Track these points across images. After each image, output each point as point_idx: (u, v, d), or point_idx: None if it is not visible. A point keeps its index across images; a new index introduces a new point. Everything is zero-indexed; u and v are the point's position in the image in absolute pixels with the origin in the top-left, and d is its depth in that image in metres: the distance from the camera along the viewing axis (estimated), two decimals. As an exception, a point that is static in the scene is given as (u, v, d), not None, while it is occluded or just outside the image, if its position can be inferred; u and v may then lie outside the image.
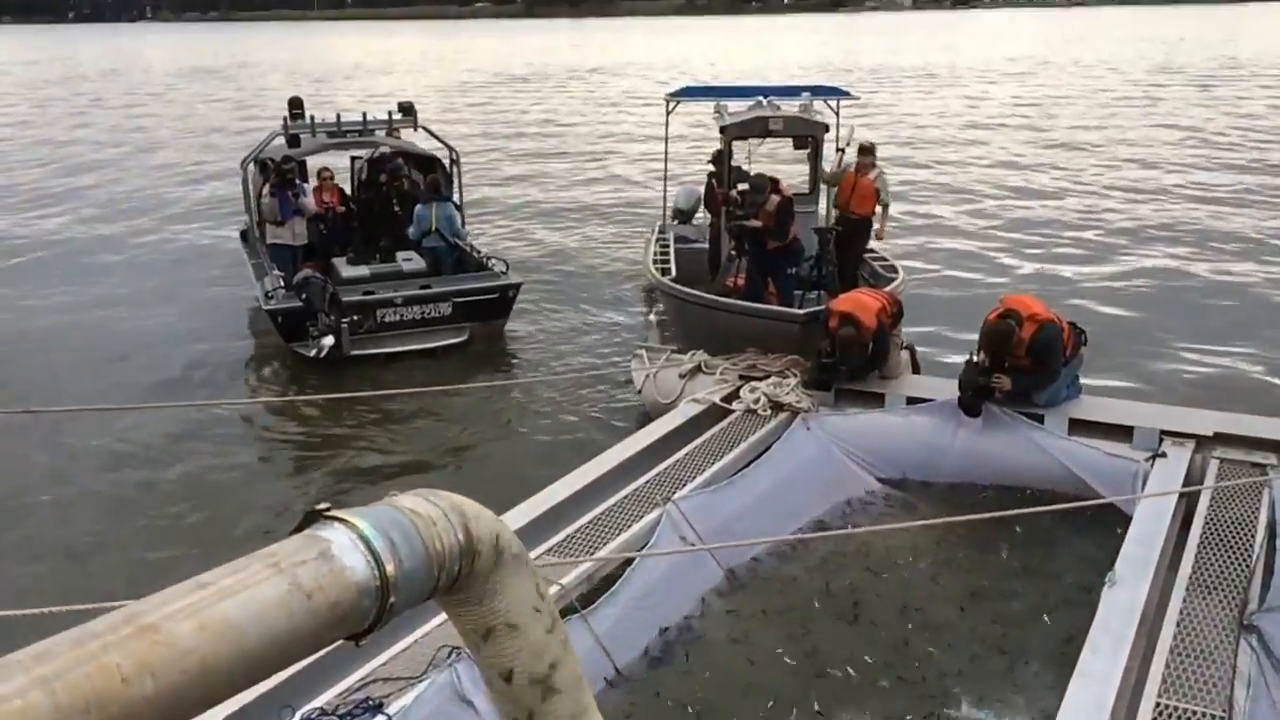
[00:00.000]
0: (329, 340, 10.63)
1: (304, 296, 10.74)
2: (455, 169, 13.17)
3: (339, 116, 12.74)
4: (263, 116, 37.04)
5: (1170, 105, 36.07)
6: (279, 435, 9.80)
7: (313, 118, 12.68)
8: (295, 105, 12.88)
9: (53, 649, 2.00)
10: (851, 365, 8.27)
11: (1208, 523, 6.01)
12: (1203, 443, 7.03)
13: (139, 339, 12.53)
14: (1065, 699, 4.46)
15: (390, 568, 2.57)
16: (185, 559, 6.92)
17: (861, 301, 8.44)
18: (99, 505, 8.41)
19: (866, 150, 11.42)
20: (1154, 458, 6.94)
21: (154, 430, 9.64)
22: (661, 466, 7.05)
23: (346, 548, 2.52)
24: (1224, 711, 4.41)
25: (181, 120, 38.78)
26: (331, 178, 13.41)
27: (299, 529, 2.62)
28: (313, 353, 10.69)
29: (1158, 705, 4.43)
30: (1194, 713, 4.39)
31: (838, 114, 12.45)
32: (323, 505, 2.66)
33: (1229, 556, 5.64)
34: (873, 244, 11.65)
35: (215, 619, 2.18)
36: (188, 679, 2.10)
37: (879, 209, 11.49)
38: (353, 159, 14.30)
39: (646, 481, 6.79)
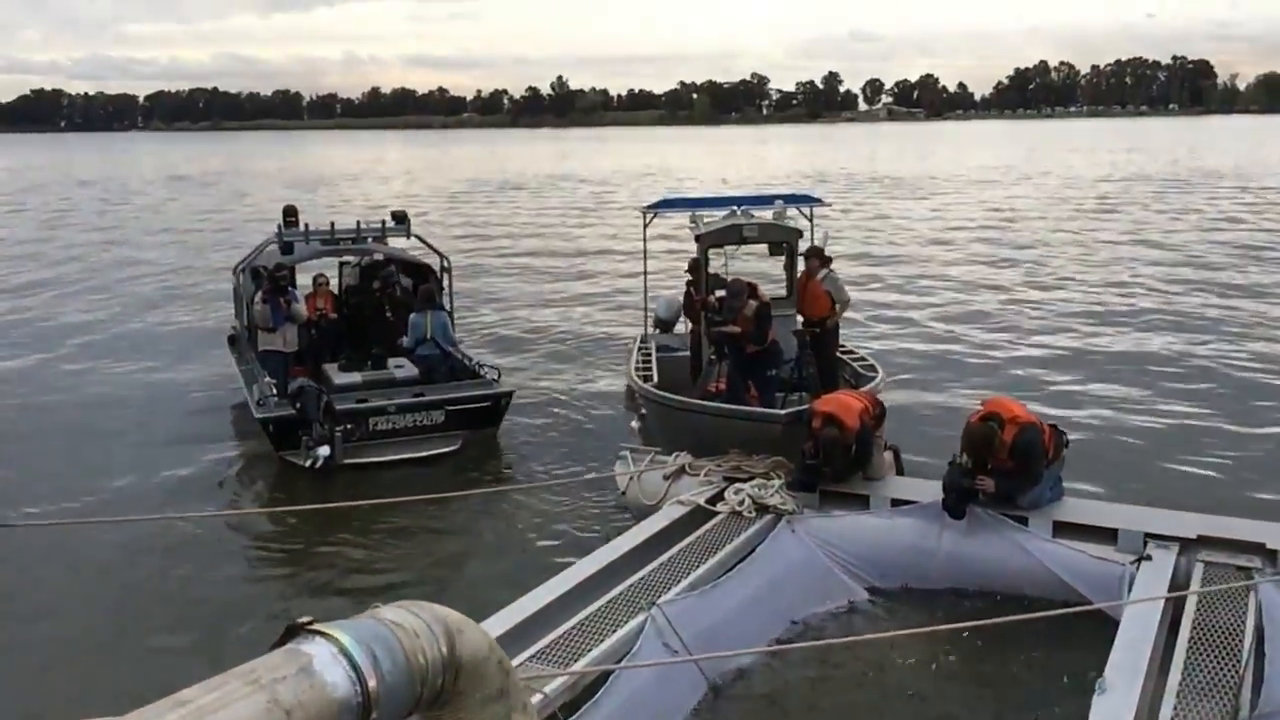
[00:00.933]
0: (324, 450, 10.51)
1: (299, 405, 10.65)
2: (447, 276, 13.30)
3: (333, 224, 12.92)
4: (252, 220, 37.54)
5: (1135, 214, 36.95)
6: (264, 545, 9.65)
7: (306, 225, 12.86)
8: (289, 213, 13.07)
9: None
10: (835, 466, 8.28)
11: (1195, 628, 5.97)
12: (1187, 545, 7.03)
13: (123, 444, 12.40)
14: (1059, 812, 4.37)
15: (372, 683, 2.54)
16: (165, 673, 6.74)
17: (844, 402, 8.50)
18: (77, 617, 8.21)
19: (814, 254, 11.67)
20: (1139, 560, 6.92)
21: (135, 540, 9.45)
22: (646, 570, 6.99)
23: (328, 662, 2.49)
24: (1220, 823, 4.33)
25: (169, 225, 39.18)
26: (326, 284, 13.50)
27: (280, 643, 2.59)
28: (307, 463, 10.55)
29: (1153, 816, 4.34)
30: (1190, 824, 4.30)
31: (811, 220, 12.73)
32: (305, 618, 2.64)
33: (1218, 662, 5.60)
34: (851, 344, 11.81)
35: (193, 738, 2.14)
36: (163, 801, 2.06)
37: (837, 308, 11.65)
38: (341, 264, 14.42)
39: (631, 585, 6.73)
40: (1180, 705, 5.18)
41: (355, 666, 2.52)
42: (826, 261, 11.79)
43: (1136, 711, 5.15)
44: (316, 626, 2.58)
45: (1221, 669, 5.53)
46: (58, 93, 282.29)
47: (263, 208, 41.02)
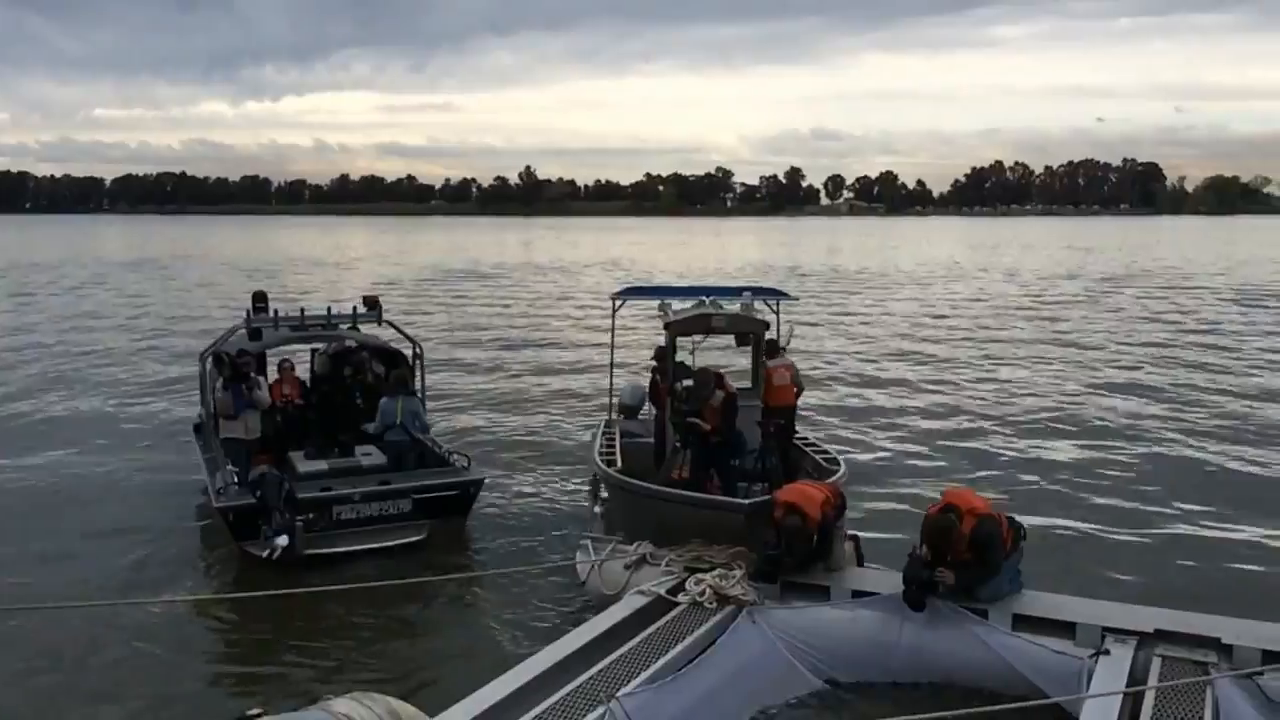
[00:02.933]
0: (283, 540, 10.22)
1: (259, 494, 10.42)
2: (418, 363, 13.20)
3: (302, 310, 12.87)
4: (222, 304, 37.40)
5: (1100, 306, 37.84)
6: (217, 633, 9.42)
7: (276, 311, 12.80)
8: (259, 299, 13.01)
9: None
10: (797, 555, 8.29)
11: (1154, 722, 5.98)
12: (1145, 640, 7.07)
13: (79, 532, 12.06)
14: None
15: (321, 776, 2.50)
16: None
17: (806, 493, 8.53)
18: (22, 703, 7.96)
19: (769, 348, 12.13)
20: (1097, 655, 6.95)
21: (86, 628, 9.19)
22: (605, 662, 6.91)
23: (277, 754, 2.46)
24: None
25: (136, 310, 38.92)
26: (292, 369, 13.33)
27: (229, 732, 2.55)
28: (265, 553, 10.25)
29: None
30: None
31: (777, 313, 12.93)
32: (254, 711, 2.61)
33: (1177, 757, 5.60)
34: (811, 436, 11.96)
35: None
36: None
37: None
38: (313, 351, 14.32)
39: (590, 677, 6.64)
40: (1140, 802, 5.15)
41: (305, 758, 2.48)
42: (778, 353, 12.07)
43: (1097, 808, 5.12)
44: (266, 719, 2.55)
45: (1180, 765, 5.53)
46: (24, 175, 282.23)
47: (232, 293, 40.91)
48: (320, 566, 10.34)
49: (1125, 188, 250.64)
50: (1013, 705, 6.20)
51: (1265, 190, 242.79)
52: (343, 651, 8.84)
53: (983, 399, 20.28)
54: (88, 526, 12.32)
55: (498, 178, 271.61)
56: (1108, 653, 6.94)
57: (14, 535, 12.02)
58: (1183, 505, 12.94)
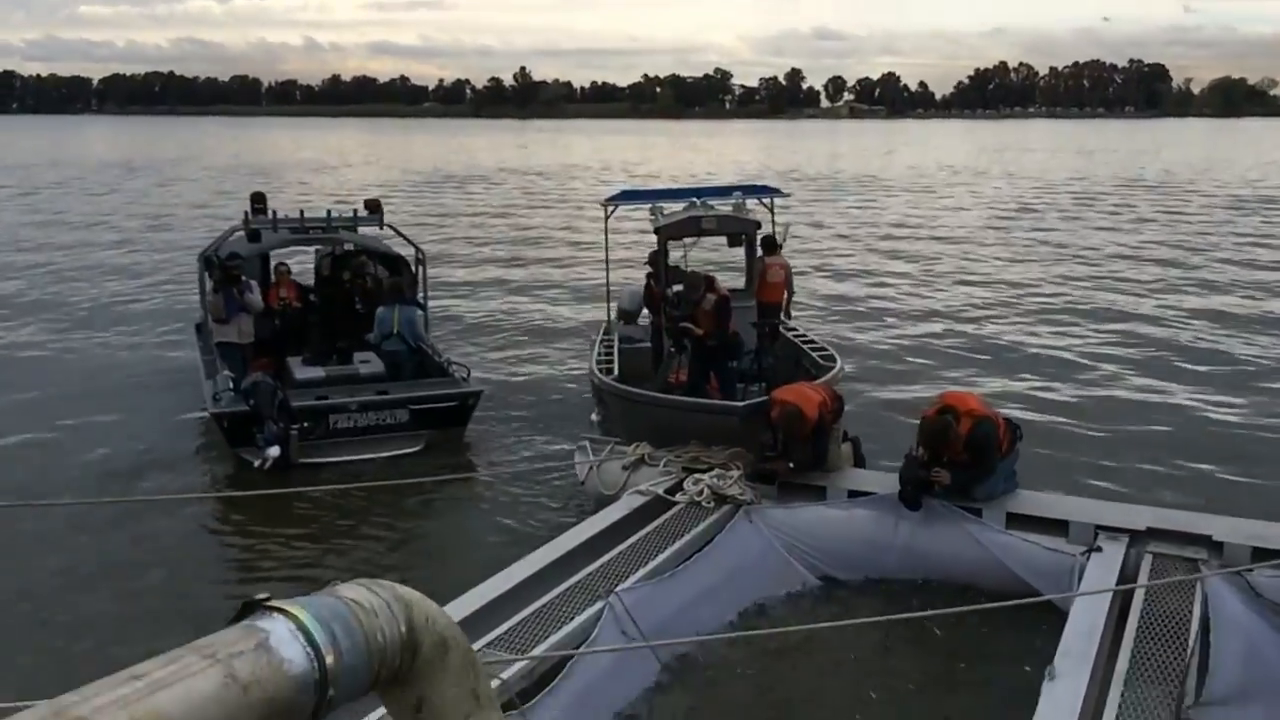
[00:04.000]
0: (274, 451, 10.18)
1: (251, 402, 10.31)
2: (421, 269, 13.01)
3: (302, 212, 12.66)
4: (218, 204, 37.03)
5: (1095, 208, 37.56)
6: (217, 531, 9.55)
7: (274, 213, 12.60)
8: (257, 200, 12.79)
9: (-23, 743, 1.93)
10: (794, 456, 8.35)
11: (1143, 618, 6.09)
12: (1137, 537, 7.17)
13: (79, 428, 12.19)
14: (1009, 795, 4.45)
15: (330, 660, 2.52)
16: (118, 655, 6.65)
17: (804, 394, 8.54)
18: (28, 603, 8.10)
19: (765, 243, 12.11)
20: (1089, 552, 7.05)
21: (89, 526, 9.33)
22: (604, 559, 7.01)
23: (285, 639, 2.47)
24: (1164, 806, 4.42)
25: (131, 210, 38.53)
26: (288, 272, 13.17)
27: (237, 619, 2.57)
28: (256, 463, 10.24)
29: (1099, 800, 4.43)
30: (1135, 808, 4.39)
31: (772, 211, 12.79)
32: (262, 595, 2.62)
33: (1165, 651, 5.72)
34: (811, 334, 12.05)
35: (148, 713, 2.12)
36: (117, 775, 2.03)
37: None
38: (317, 253, 14.16)
39: (589, 574, 6.74)
40: (1127, 692, 5.28)
41: (313, 643, 2.50)
42: (774, 250, 11.99)
43: (1084, 698, 5.25)
44: (274, 603, 2.56)
45: (1168, 658, 5.65)
46: (10, 74, 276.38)
47: (232, 192, 40.46)
48: (320, 472, 10.38)
49: (1130, 89, 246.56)
50: (1005, 602, 6.30)
51: (1272, 93, 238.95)
52: (343, 549, 8.97)
53: (979, 301, 20.27)
54: (88, 423, 12.40)
55: (492, 79, 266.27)
56: (1100, 550, 7.04)
57: (14, 433, 12.09)
58: (1177, 404, 13.05)
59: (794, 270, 12.85)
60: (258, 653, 2.40)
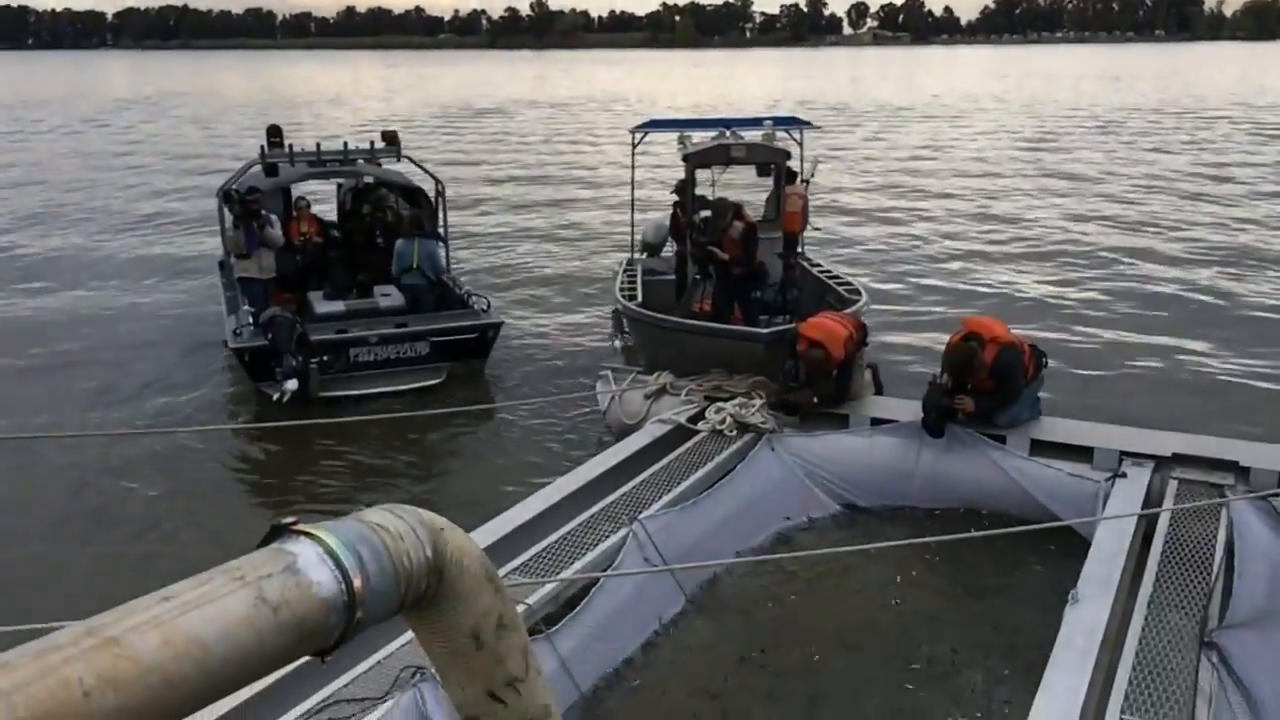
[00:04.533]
0: (292, 385, 10.18)
1: (270, 336, 10.33)
2: (440, 201, 12.90)
3: (319, 146, 12.55)
4: (227, 141, 36.89)
5: (1120, 138, 36.85)
6: (242, 461, 9.67)
7: (291, 146, 12.49)
8: (274, 133, 12.67)
9: (12, 661, 1.95)
10: (819, 393, 8.31)
11: (1168, 543, 6.07)
12: (1162, 463, 7.13)
13: (104, 368, 12.28)
14: (1031, 714, 4.48)
15: (358, 583, 2.54)
16: (145, 582, 6.79)
17: (831, 330, 8.39)
18: (55, 531, 8.27)
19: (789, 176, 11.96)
20: (1114, 478, 7.02)
21: (113, 458, 9.50)
22: (627, 487, 7.04)
23: (313, 562, 2.49)
24: (1186, 727, 4.45)
25: (151, 145, 38.45)
26: (308, 207, 13.11)
27: (264, 543, 2.59)
28: (275, 397, 10.24)
29: (1121, 721, 4.46)
30: (1157, 729, 4.42)
31: (801, 144, 12.61)
32: (289, 519, 2.63)
33: (1189, 575, 5.71)
34: (837, 269, 11.89)
35: (179, 633, 2.14)
36: (152, 694, 2.06)
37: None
38: (339, 187, 14.02)
39: (612, 501, 6.77)
40: (1150, 617, 5.29)
41: (341, 567, 2.51)
42: (792, 179, 11.91)
43: (1107, 622, 5.26)
44: (301, 527, 2.57)
45: (1192, 582, 5.64)
46: (25, 9, 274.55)
47: (248, 126, 40.26)
48: (340, 405, 10.45)
49: (1161, 12, 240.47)
50: (1027, 526, 6.31)
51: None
52: (366, 481, 9.06)
53: (1001, 230, 20.01)
54: (113, 358, 12.53)
55: (508, 9, 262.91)
56: (1124, 476, 7.01)
57: (39, 366, 12.23)
58: (1205, 331, 12.91)
59: (812, 201, 12.68)
60: (286, 575, 2.42)
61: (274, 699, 4.39)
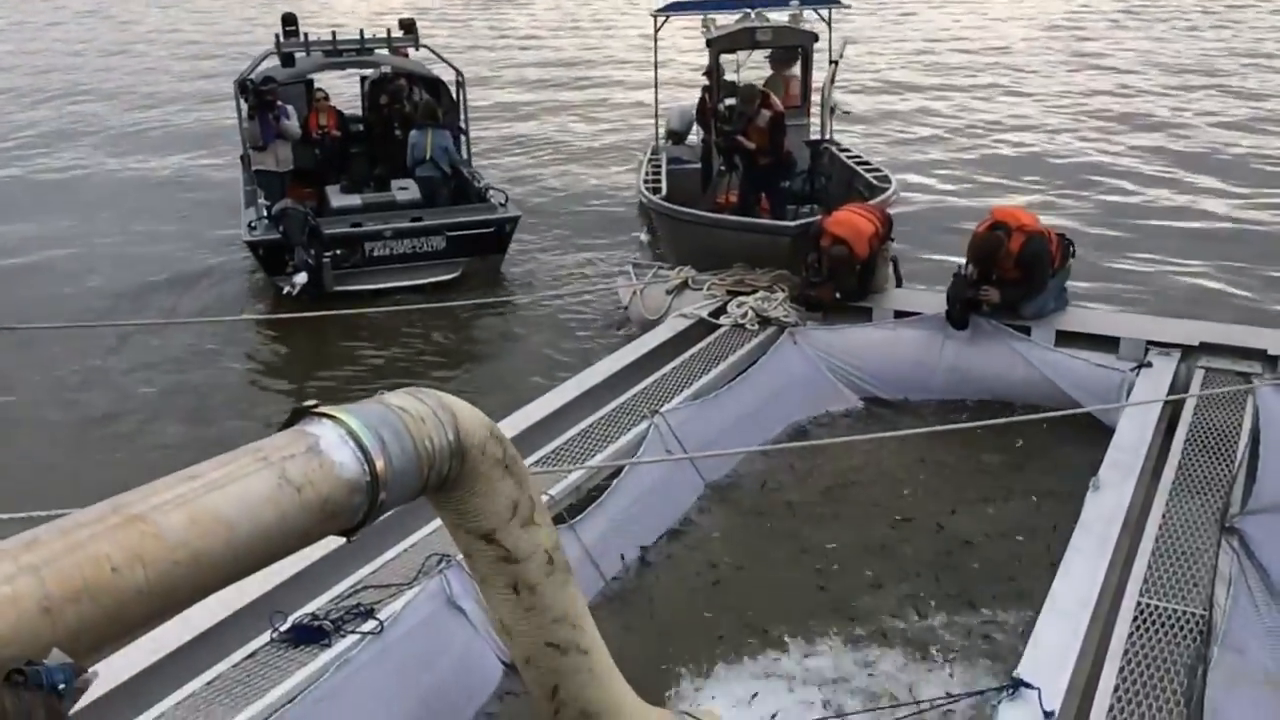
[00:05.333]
0: (302, 278, 10.12)
1: (281, 229, 10.27)
2: (460, 91, 12.62)
3: (334, 34, 12.31)
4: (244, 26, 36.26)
5: (1159, 30, 35.65)
6: (258, 355, 9.77)
7: (306, 35, 12.27)
8: (289, 22, 12.38)
9: (40, 537, 1.99)
10: (842, 288, 8.23)
11: (1191, 430, 6.05)
12: (1188, 352, 7.06)
13: (124, 259, 12.35)
14: (1048, 598, 4.53)
15: (380, 464, 2.58)
16: (166, 460, 6.92)
17: (856, 226, 8.22)
18: (75, 421, 8.43)
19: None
20: (1139, 368, 6.96)
21: (134, 349, 9.64)
22: (649, 380, 7.05)
23: (335, 444, 2.52)
24: (1204, 610, 4.49)
25: (163, 41, 37.90)
26: (326, 98, 12.93)
27: (287, 425, 2.62)
28: (285, 290, 10.21)
29: (1139, 604, 4.50)
30: (1175, 611, 4.46)
31: (829, 24, 12.24)
32: (310, 402, 2.65)
33: (1212, 462, 5.70)
34: (866, 156, 11.71)
35: (205, 512, 2.18)
36: (179, 570, 2.11)
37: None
38: (361, 79, 13.76)
39: (633, 395, 6.79)
40: (1172, 502, 5.30)
41: (363, 448, 2.54)
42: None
43: (1129, 508, 5.28)
44: (323, 410, 2.59)
45: (1214, 469, 5.64)
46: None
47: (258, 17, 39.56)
48: (355, 300, 10.40)
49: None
50: (1051, 414, 6.29)
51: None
52: (384, 373, 9.08)
53: (1027, 114, 19.54)
54: (133, 250, 12.62)
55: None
56: (1150, 365, 6.95)
57: (61, 258, 12.29)
58: (1236, 218, 12.65)
59: (837, 85, 12.35)
60: (309, 456, 2.45)
61: (303, 584, 4.50)
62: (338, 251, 10.55)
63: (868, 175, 10.97)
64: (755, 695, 4.68)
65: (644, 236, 11.64)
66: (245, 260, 11.85)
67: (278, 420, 2.63)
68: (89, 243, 13.11)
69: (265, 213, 10.74)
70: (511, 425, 6.08)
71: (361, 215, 11.28)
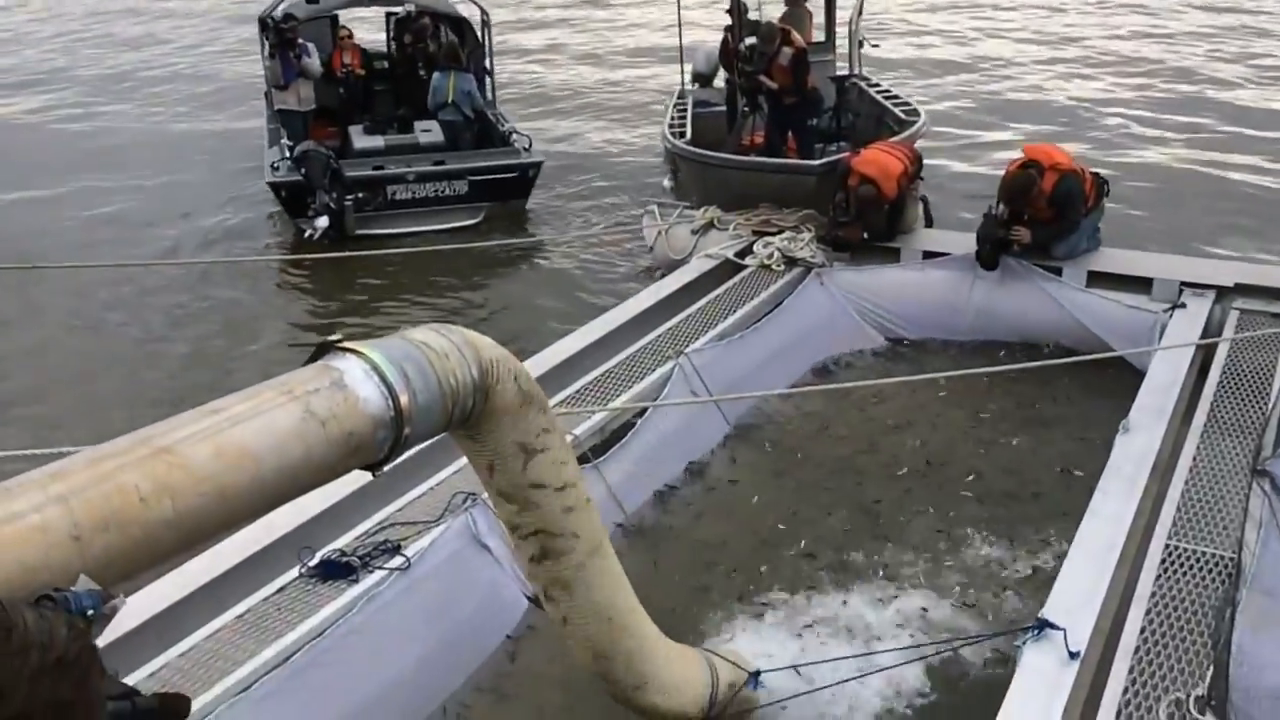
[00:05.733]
0: (323, 222, 10.12)
1: (303, 171, 10.26)
2: (486, 31, 12.50)
3: None
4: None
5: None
6: (284, 292, 9.83)
7: None
8: None
9: (68, 468, 1.99)
10: (869, 228, 8.11)
11: (1225, 372, 5.95)
12: (1223, 293, 6.93)
13: (147, 201, 12.40)
14: (1076, 539, 4.50)
15: (404, 399, 2.56)
16: (192, 403, 6.98)
17: (884, 165, 8.05)
18: (94, 361, 8.53)
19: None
20: (1173, 309, 6.85)
21: (159, 289, 9.70)
22: (673, 321, 7.00)
23: (360, 378, 2.51)
24: (1233, 553, 4.44)
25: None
26: (350, 37, 12.82)
27: (311, 360, 2.60)
28: (306, 233, 10.22)
29: (1167, 547, 4.46)
30: (1203, 554, 4.42)
31: None
32: (335, 337, 2.64)
33: (1244, 405, 5.61)
34: (894, 89, 11.51)
35: (231, 444, 2.18)
36: (206, 502, 2.11)
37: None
38: (387, 16, 13.64)
39: (659, 336, 6.75)
40: (1203, 445, 5.23)
41: (387, 383, 2.53)
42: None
43: (1159, 450, 5.22)
44: (347, 345, 2.58)
45: (1247, 412, 5.55)
46: None
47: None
48: (378, 243, 10.39)
49: None
50: (1082, 358, 6.20)
51: None
52: (408, 314, 9.12)
53: (1061, 54, 19.12)
54: (156, 191, 12.68)
55: None
56: (1184, 306, 6.83)
57: (84, 199, 12.34)
58: (1273, 158, 12.38)
59: (867, 18, 12.14)
60: (333, 390, 2.44)
61: (332, 520, 4.53)
62: (360, 195, 10.52)
63: (896, 109, 10.77)
64: (780, 634, 4.70)
65: (667, 182, 11.51)
66: (265, 202, 11.86)
67: (301, 357, 2.61)
68: (109, 183, 13.15)
69: (288, 153, 10.69)
70: (536, 365, 6.06)
71: (384, 158, 11.20)
